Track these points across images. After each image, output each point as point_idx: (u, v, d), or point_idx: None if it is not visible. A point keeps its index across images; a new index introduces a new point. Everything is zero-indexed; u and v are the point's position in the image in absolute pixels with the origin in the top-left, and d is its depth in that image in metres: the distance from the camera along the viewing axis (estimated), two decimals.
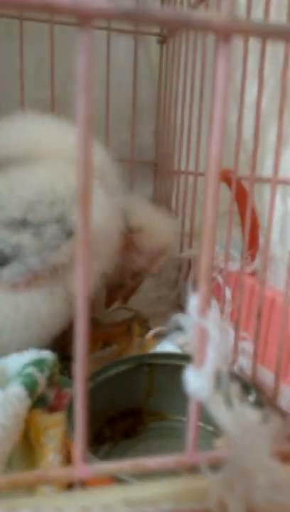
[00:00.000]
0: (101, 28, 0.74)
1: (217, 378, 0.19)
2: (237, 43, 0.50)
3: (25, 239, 0.42)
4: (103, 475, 0.19)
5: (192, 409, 0.20)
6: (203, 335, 0.19)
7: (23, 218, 0.42)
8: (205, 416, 0.19)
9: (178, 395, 0.45)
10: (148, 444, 0.41)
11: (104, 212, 0.44)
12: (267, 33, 0.16)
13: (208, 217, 0.18)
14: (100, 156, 0.50)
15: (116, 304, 0.64)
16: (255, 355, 0.46)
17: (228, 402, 0.19)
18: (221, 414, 0.18)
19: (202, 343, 0.19)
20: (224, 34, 0.16)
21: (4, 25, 0.75)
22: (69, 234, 0.43)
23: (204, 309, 0.19)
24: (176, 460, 0.19)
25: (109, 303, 0.63)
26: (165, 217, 0.59)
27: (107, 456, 0.39)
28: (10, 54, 0.76)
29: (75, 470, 0.18)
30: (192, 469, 0.20)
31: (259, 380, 0.46)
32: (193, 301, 0.19)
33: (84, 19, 0.13)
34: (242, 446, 0.16)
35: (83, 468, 0.19)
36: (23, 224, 0.42)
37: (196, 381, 0.18)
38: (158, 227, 0.56)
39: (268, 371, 0.46)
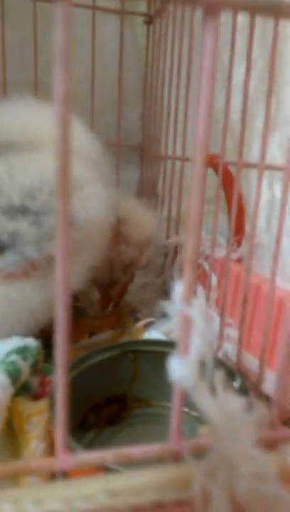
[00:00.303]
0: (86, 7, 0.72)
1: (202, 366, 0.18)
2: (225, 21, 0.49)
3: (23, 227, 0.41)
4: (85, 465, 0.19)
5: (176, 397, 0.19)
6: (187, 322, 0.18)
7: (23, 205, 0.41)
8: (189, 401, 0.19)
9: (163, 381, 0.45)
10: (133, 430, 0.41)
11: (103, 204, 0.44)
12: (256, 7, 0.15)
13: (194, 202, 0.17)
14: (95, 146, 0.49)
15: (110, 305, 0.63)
16: (240, 341, 0.46)
17: (212, 389, 0.19)
18: (205, 402, 0.18)
19: (186, 331, 0.18)
20: (212, 8, 0.15)
21: None
22: (68, 223, 0.42)
23: (188, 296, 0.18)
24: (160, 448, 0.19)
25: (104, 304, 0.62)
26: (147, 208, 0.59)
27: (92, 443, 0.39)
28: None
29: (57, 460, 0.18)
30: (177, 457, 0.20)
31: (244, 366, 0.46)
32: (178, 288, 0.19)
33: None
34: (225, 434, 0.16)
35: (65, 458, 0.18)
36: (21, 211, 0.41)
37: (180, 369, 0.18)
38: (143, 217, 0.56)
39: (253, 357, 0.46)
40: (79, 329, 0.61)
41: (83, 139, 0.49)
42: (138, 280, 0.73)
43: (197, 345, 0.18)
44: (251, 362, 0.46)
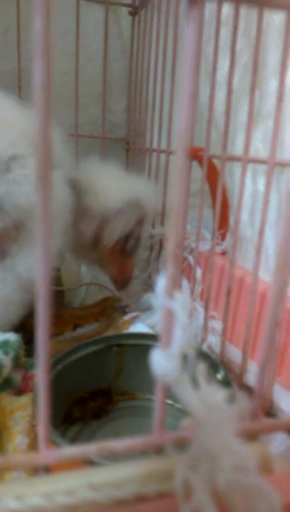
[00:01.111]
0: None
1: (184, 359, 0.18)
2: (210, 14, 0.49)
3: None
4: (67, 459, 0.19)
5: (158, 390, 0.19)
6: (170, 316, 0.18)
7: None
8: (173, 394, 0.19)
9: (148, 374, 0.45)
10: (119, 423, 0.41)
11: (54, 191, 0.41)
12: None
13: (177, 195, 0.17)
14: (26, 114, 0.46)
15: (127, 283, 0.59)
16: (224, 333, 0.46)
17: (195, 382, 0.19)
18: (187, 394, 0.18)
19: (168, 324, 0.18)
20: None
21: None
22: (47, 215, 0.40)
23: (171, 290, 0.18)
24: (143, 442, 0.19)
25: (116, 283, 0.58)
26: (122, 179, 0.53)
27: (77, 437, 0.39)
28: None
29: (39, 455, 0.18)
30: (160, 450, 0.20)
31: (228, 357, 0.47)
32: (161, 282, 0.19)
33: None
34: (207, 426, 0.16)
35: (47, 453, 0.18)
36: None
37: (163, 362, 0.18)
38: (109, 190, 0.51)
39: (236, 349, 0.47)
40: (63, 320, 0.60)
41: (16, 113, 0.45)
42: None
43: (179, 338, 0.18)
44: (234, 354, 0.46)
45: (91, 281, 0.75)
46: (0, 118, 0.44)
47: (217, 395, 0.19)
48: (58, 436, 0.30)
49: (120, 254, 0.54)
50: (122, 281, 0.57)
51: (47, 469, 0.19)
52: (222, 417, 0.16)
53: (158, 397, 0.19)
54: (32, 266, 0.43)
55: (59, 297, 0.70)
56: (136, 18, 0.74)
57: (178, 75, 0.57)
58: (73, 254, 0.58)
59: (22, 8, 0.70)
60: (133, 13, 0.75)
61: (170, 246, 0.18)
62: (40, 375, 0.17)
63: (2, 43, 0.77)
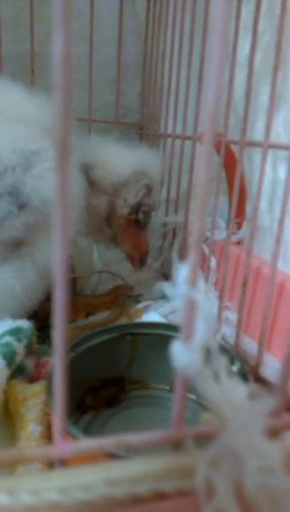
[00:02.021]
0: None
1: (206, 352, 0.18)
2: None
3: None
4: (83, 453, 0.18)
5: (178, 383, 0.18)
6: (192, 307, 0.17)
7: None
8: (188, 385, 0.18)
9: (161, 364, 0.45)
10: (131, 413, 0.41)
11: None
12: None
13: (200, 183, 0.16)
14: (46, 111, 0.44)
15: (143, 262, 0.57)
16: (239, 324, 0.45)
17: (216, 376, 0.18)
18: (209, 389, 0.17)
19: (190, 316, 0.17)
20: None
21: None
22: (21, 207, 0.39)
23: (194, 279, 0.17)
24: (161, 436, 0.19)
25: (133, 261, 0.57)
26: (127, 151, 0.53)
27: (89, 426, 0.39)
28: None
29: (54, 448, 0.17)
30: (178, 445, 0.19)
31: (242, 349, 0.46)
32: (182, 272, 0.18)
33: None
34: (232, 424, 0.15)
35: (63, 446, 0.17)
36: None
37: (184, 355, 0.17)
38: (116, 160, 0.51)
39: (251, 340, 0.46)
40: (75, 308, 0.60)
41: (30, 106, 0.44)
42: None
43: (201, 329, 0.17)
44: (249, 345, 0.45)
45: (103, 269, 0.74)
46: (14, 112, 0.43)
47: (239, 390, 0.18)
48: (74, 428, 0.29)
49: (133, 227, 0.54)
50: (139, 258, 0.56)
51: (63, 462, 0.18)
52: (248, 415, 0.15)
53: (177, 390, 0.19)
54: (50, 256, 0.43)
55: (71, 285, 0.69)
56: (152, 0, 0.72)
57: (195, 58, 0.55)
58: (89, 235, 0.57)
59: None
60: None
61: (193, 234, 0.17)
62: (57, 367, 0.17)
63: (14, 25, 0.75)
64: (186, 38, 0.57)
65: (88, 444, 0.18)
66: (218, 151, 0.48)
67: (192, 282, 0.17)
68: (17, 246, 0.42)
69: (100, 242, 0.65)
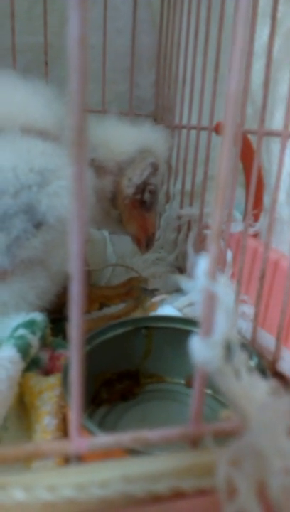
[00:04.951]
0: None
1: (227, 348, 0.17)
2: None
3: None
4: (100, 448, 0.18)
5: (198, 379, 0.18)
6: (212, 300, 0.17)
7: None
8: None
9: (176, 358, 0.44)
10: (146, 406, 0.41)
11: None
12: None
13: (221, 174, 0.16)
14: (52, 115, 0.44)
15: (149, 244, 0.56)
16: (256, 318, 0.45)
17: (236, 372, 0.18)
18: (231, 387, 0.17)
19: (210, 310, 0.17)
20: None
21: None
22: (38, 225, 0.39)
23: (214, 272, 0.17)
24: (179, 432, 0.18)
25: (140, 244, 0.56)
26: (131, 128, 0.52)
27: (104, 419, 0.39)
28: None
29: (70, 444, 0.17)
30: (197, 442, 0.19)
31: (259, 343, 0.45)
32: (201, 265, 0.17)
33: None
34: (255, 423, 0.15)
35: (79, 441, 0.17)
36: None
37: (203, 351, 0.17)
38: (119, 137, 0.50)
39: (268, 334, 0.45)
40: (89, 299, 0.60)
41: (36, 113, 0.43)
42: (149, 255, 0.71)
43: (222, 324, 0.17)
44: (267, 340, 0.45)
45: (117, 262, 0.74)
46: (23, 117, 0.42)
47: (260, 386, 0.17)
48: (91, 423, 0.29)
49: (139, 208, 0.52)
50: (145, 240, 0.56)
51: (79, 457, 0.18)
52: (272, 414, 0.14)
53: (196, 386, 0.18)
54: (62, 261, 0.43)
55: (85, 277, 0.69)
56: None
57: (211, 47, 0.54)
58: (96, 220, 0.56)
59: None
60: None
61: (212, 226, 0.17)
62: (73, 362, 0.16)
63: (27, 16, 0.75)
64: (202, 26, 0.55)
65: (105, 439, 0.17)
66: (235, 141, 0.47)
67: (212, 275, 0.17)
68: (34, 263, 0.42)
69: (106, 226, 0.64)
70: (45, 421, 0.33)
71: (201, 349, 0.17)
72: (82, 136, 0.12)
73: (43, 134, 0.42)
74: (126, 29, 0.74)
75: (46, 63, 0.70)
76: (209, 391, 0.41)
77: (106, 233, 0.78)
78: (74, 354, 0.16)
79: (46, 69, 0.70)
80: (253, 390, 0.17)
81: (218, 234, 0.16)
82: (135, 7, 0.70)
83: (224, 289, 0.17)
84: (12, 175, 0.39)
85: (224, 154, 0.15)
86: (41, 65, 0.70)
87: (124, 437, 0.18)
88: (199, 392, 0.18)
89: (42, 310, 0.44)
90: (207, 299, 0.17)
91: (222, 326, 0.17)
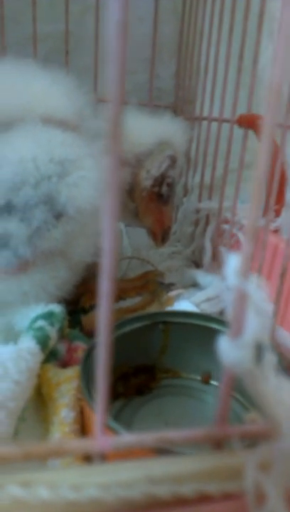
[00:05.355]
0: None
1: (257, 349, 0.17)
2: None
3: (11, 226, 0.38)
4: (124, 448, 0.17)
5: (225, 380, 0.17)
6: (243, 301, 0.16)
7: (7, 203, 0.38)
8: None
9: (193, 354, 0.44)
10: (162, 401, 0.40)
11: (96, 186, 0.39)
12: None
13: (259, 170, 0.15)
14: (73, 105, 0.44)
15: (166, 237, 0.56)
16: (275, 315, 0.44)
17: (265, 375, 0.17)
18: (260, 389, 0.16)
19: (241, 310, 0.16)
20: None
21: None
22: (58, 216, 0.39)
23: (246, 271, 0.16)
24: (204, 433, 0.18)
25: (155, 236, 0.55)
26: (151, 120, 0.51)
27: (120, 413, 0.39)
28: None
29: (95, 442, 0.17)
30: (221, 444, 0.18)
31: (278, 341, 0.44)
32: (232, 263, 0.17)
33: None
34: (286, 427, 0.14)
35: (103, 440, 0.17)
36: (7, 209, 0.38)
37: (232, 352, 0.16)
38: (138, 129, 0.49)
39: (288, 333, 0.44)
40: None
41: (56, 103, 0.43)
42: (165, 248, 0.71)
43: (253, 325, 0.16)
44: (286, 338, 0.44)
45: (133, 255, 0.74)
46: (43, 107, 0.42)
47: (289, 389, 0.17)
48: (114, 422, 0.29)
49: (156, 201, 0.52)
50: (161, 233, 0.55)
51: (103, 457, 0.18)
52: None
53: (223, 387, 0.18)
54: (82, 251, 0.43)
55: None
56: None
57: (236, 36, 0.53)
58: None
59: None
60: None
61: (249, 221, 0.16)
62: (100, 361, 0.16)
63: (49, 4, 0.74)
64: (227, 14, 0.54)
65: (129, 439, 0.17)
66: (258, 134, 0.45)
67: (244, 275, 0.16)
68: (55, 254, 0.42)
69: (123, 219, 0.64)
70: (63, 413, 0.33)
71: (230, 350, 0.16)
72: (118, 128, 0.12)
73: (62, 124, 0.42)
74: (147, 18, 0.73)
75: (67, 52, 0.69)
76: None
77: (121, 225, 0.78)
78: (101, 354, 0.16)
79: (67, 58, 0.69)
80: (282, 393, 0.17)
81: (254, 232, 0.15)
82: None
83: (256, 289, 0.17)
84: (32, 165, 0.38)
85: (263, 149, 0.14)
86: (61, 53, 0.69)
87: (148, 437, 0.17)
88: (225, 393, 0.18)
89: (60, 301, 0.44)
90: (238, 299, 0.16)
91: (253, 327, 0.16)
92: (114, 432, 0.27)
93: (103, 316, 0.16)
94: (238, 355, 0.16)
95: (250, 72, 0.49)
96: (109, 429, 0.27)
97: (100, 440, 0.17)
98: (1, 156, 0.38)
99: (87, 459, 0.28)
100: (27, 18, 0.67)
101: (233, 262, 0.17)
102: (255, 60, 0.48)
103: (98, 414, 0.17)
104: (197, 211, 0.65)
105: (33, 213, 0.38)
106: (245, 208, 0.53)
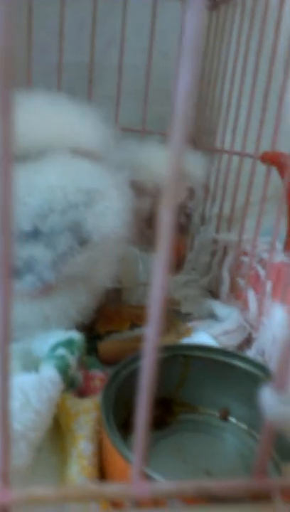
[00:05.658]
0: None
1: None
2: None
3: (37, 251, 0.39)
4: (161, 495, 0.17)
5: (265, 434, 0.17)
6: (289, 352, 0.16)
7: (34, 229, 0.39)
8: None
9: (211, 389, 0.43)
10: (180, 437, 0.40)
11: (120, 215, 0.41)
12: None
13: None
14: (97, 137, 0.45)
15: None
16: None
17: None
18: None
19: (287, 363, 0.16)
20: None
21: None
22: (83, 242, 0.40)
23: None
24: (244, 485, 0.17)
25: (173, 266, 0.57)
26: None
27: None
28: (49, 15, 0.72)
29: (133, 487, 0.17)
30: (257, 496, 0.18)
31: None
32: (278, 313, 0.17)
33: None
34: None
35: (141, 486, 0.17)
36: (34, 235, 0.39)
37: (276, 406, 0.16)
38: (158, 161, 0.50)
39: None
40: (120, 317, 0.60)
41: (86, 136, 0.44)
42: (181, 277, 0.71)
43: None
44: None
45: (148, 281, 0.74)
46: (72, 139, 0.43)
47: None
48: (149, 468, 0.28)
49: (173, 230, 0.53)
50: (176, 262, 0.56)
51: (137, 503, 0.18)
52: None
53: (263, 440, 0.18)
54: (104, 277, 0.44)
55: (117, 295, 0.69)
56: (214, 12, 0.72)
57: (261, 73, 0.54)
58: (130, 239, 0.57)
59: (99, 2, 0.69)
60: (212, 7, 0.72)
61: None
62: (141, 407, 0.16)
63: (76, 36, 0.77)
64: (252, 54, 0.56)
65: (168, 486, 0.17)
66: (282, 173, 0.46)
67: None
68: (77, 278, 0.42)
69: (139, 245, 0.65)
70: (82, 445, 0.33)
71: (274, 404, 0.16)
72: (178, 173, 0.12)
73: (89, 155, 0.43)
74: (171, 52, 0.75)
75: (90, 81, 0.71)
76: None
77: (137, 251, 0.78)
78: (142, 403, 0.16)
79: (90, 87, 0.71)
80: None
81: None
82: (182, 31, 0.71)
83: None
84: (60, 194, 0.39)
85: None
86: (85, 82, 0.71)
87: (187, 485, 0.17)
88: (266, 446, 0.18)
89: (79, 325, 0.44)
90: (284, 352, 0.16)
91: None
92: (149, 478, 0.26)
93: (148, 366, 0.16)
94: (281, 411, 0.16)
95: (275, 108, 0.50)
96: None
97: (138, 486, 0.17)
98: (31, 184, 0.39)
99: (114, 503, 0.28)
100: (53, 48, 0.69)
101: (279, 313, 0.17)
102: (281, 98, 0.49)
103: (135, 458, 0.17)
104: (215, 241, 0.66)
105: (59, 239, 0.39)
106: (264, 242, 0.53)
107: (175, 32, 0.74)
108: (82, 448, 0.33)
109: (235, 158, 0.60)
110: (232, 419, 0.42)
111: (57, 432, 0.36)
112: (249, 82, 0.56)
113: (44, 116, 0.44)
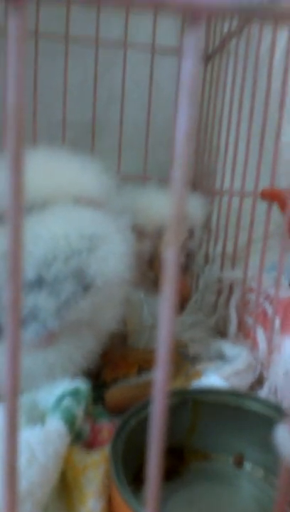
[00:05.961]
0: (144, 48, 0.74)
1: None
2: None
3: (40, 299, 0.39)
4: None
5: (283, 475, 0.16)
6: None
7: (38, 277, 0.39)
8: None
9: (224, 434, 0.41)
10: (192, 489, 0.38)
11: (123, 260, 0.41)
12: None
13: None
14: (99, 183, 0.47)
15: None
16: None
17: None
18: None
19: None
20: None
21: (48, 46, 0.74)
22: (86, 287, 0.40)
23: None
24: None
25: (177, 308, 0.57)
26: (169, 195, 0.53)
27: None
28: (51, 75, 0.76)
29: None
30: None
31: None
32: (288, 347, 0.16)
33: (196, 15, 0.11)
34: None
35: None
36: (38, 283, 0.39)
37: None
38: (158, 204, 0.52)
39: None
40: (126, 362, 0.58)
41: (88, 186, 0.46)
42: (187, 318, 0.70)
43: None
44: None
45: (154, 324, 0.73)
46: (75, 189, 0.45)
47: None
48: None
49: None
50: (179, 302, 0.56)
51: None
52: None
53: (282, 481, 0.17)
54: (108, 321, 0.44)
55: (122, 338, 0.68)
56: (209, 64, 0.76)
57: (256, 116, 0.56)
58: (133, 282, 0.57)
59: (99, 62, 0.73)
60: (207, 59, 0.76)
61: None
62: (152, 463, 0.15)
63: (78, 93, 0.81)
64: (247, 99, 0.58)
65: None
66: (283, 208, 0.47)
67: None
68: (82, 324, 0.42)
69: (142, 288, 0.65)
70: (90, 503, 0.31)
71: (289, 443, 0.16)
72: (181, 214, 0.12)
73: (91, 203, 0.45)
74: (167, 105, 0.79)
75: (93, 135, 0.75)
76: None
77: (141, 294, 0.78)
78: (153, 448, 0.15)
79: (93, 140, 0.74)
80: None
81: None
82: (178, 84, 0.74)
83: None
84: (64, 242, 0.40)
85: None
86: (88, 136, 0.74)
87: None
88: (284, 487, 0.17)
89: (85, 371, 0.43)
90: None
91: None
92: None
93: (157, 413, 0.15)
94: None
95: (271, 147, 0.51)
96: None
97: None
98: (35, 235, 0.40)
99: None
100: (57, 105, 0.73)
101: (289, 347, 0.16)
102: (277, 137, 0.50)
103: None
104: (220, 280, 0.66)
105: (63, 286, 0.40)
106: (270, 278, 0.53)
107: (171, 85, 0.78)
108: (91, 506, 0.31)
109: (235, 199, 0.61)
110: (247, 465, 0.40)
111: (64, 488, 0.35)
112: (245, 126, 0.58)
113: (48, 169, 0.46)
